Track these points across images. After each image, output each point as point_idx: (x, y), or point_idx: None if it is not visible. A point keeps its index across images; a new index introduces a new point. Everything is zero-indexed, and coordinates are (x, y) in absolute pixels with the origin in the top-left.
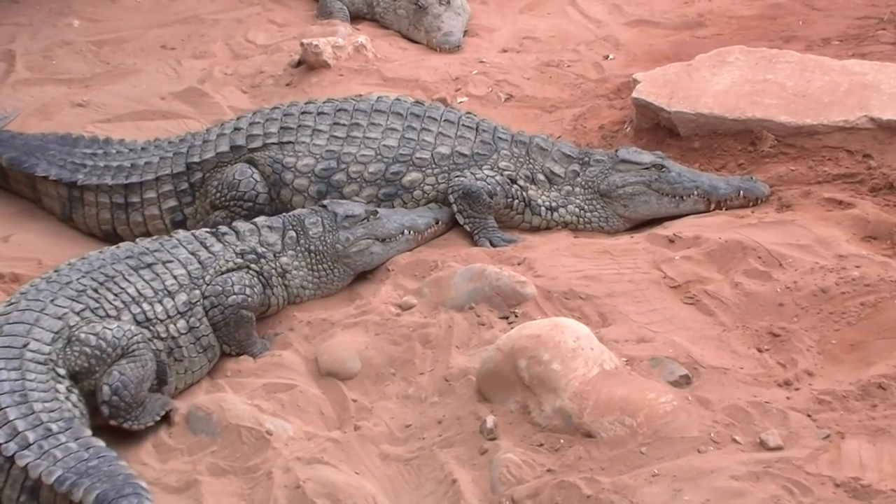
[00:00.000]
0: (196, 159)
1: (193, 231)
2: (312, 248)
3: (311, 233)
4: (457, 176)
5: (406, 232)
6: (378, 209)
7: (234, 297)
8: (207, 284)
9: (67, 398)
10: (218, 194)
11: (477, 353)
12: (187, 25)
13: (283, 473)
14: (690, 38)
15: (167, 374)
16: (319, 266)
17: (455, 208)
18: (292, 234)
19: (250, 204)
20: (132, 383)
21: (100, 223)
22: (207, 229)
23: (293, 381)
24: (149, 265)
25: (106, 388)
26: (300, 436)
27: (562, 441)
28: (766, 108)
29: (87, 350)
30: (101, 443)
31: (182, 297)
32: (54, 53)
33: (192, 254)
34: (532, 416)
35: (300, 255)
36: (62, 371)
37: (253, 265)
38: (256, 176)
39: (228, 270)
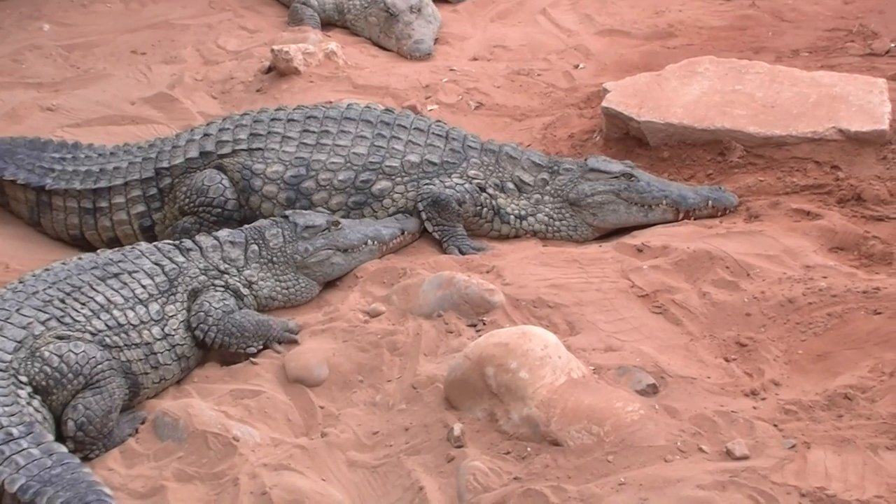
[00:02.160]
0: (165, 165)
1: (156, 244)
2: (274, 259)
3: (271, 244)
4: (426, 184)
5: (369, 242)
6: (341, 220)
7: (216, 310)
8: (181, 302)
9: (29, 403)
10: (187, 200)
11: (445, 360)
12: (158, 31)
13: (249, 480)
14: (660, 49)
15: (140, 386)
16: (284, 277)
17: (424, 216)
18: (254, 247)
19: (219, 210)
20: (97, 417)
21: (68, 228)
22: (170, 242)
23: (260, 387)
24: (115, 275)
25: (71, 424)
26: (267, 442)
27: (529, 449)
28: (735, 118)
29: (48, 370)
30: (63, 448)
31: (154, 306)
32: (24, 57)
33: (157, 264)
34: (499, 424)
35: (264, 266)
36: (24, 378)
37: (217, 281)
38: (225, 182)
39: (194, 290)
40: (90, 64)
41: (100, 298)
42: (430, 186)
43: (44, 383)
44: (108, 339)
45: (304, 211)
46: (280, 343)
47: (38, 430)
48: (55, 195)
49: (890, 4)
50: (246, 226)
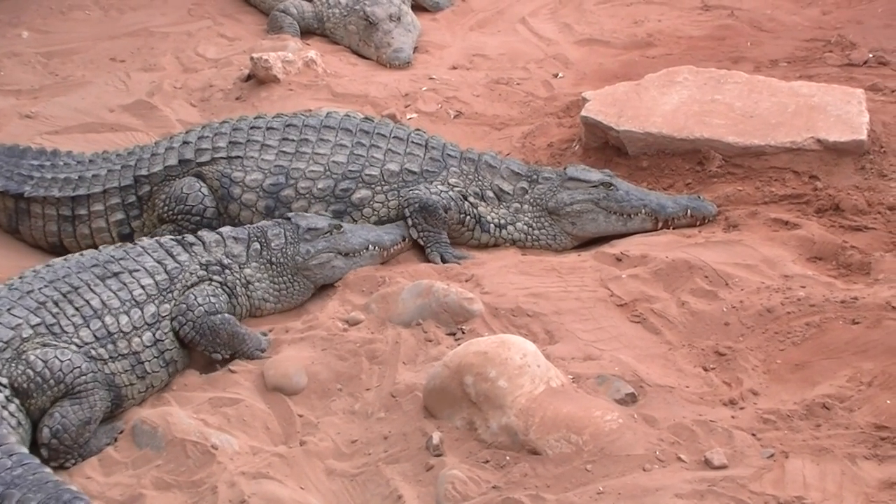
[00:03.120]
0: (144, 172)
1: (158, 239)
2: (274, 259)
3: (272, 244)
4: (412, 189)
5: (371, 247)
6: (343, 224)
7: (199, 307)
8: (175, 300)
9: (5, 407)
10: (166, 208)
11: (424, 369)
12: (137, 38)
13: (227, 488)
14: (640, 58)
15: (124, 397)
16: (280, 278)
17: (410, 222)
18: (256, 245)
19: (198, 218)
20: (73, 427)
21: (46, 235)
22: (173, 238)
23: (239, 395)
24: (115, 274)
25: (46, 431)
26: (246, 450)
27: (507, 458)
28: (714, 128)
29: (30, 373)
30: (23, 449)
31: (150, 309)
32: (3, 64)
33: (159, 262)
34: (478, 433)
35: (263, 266)
36: (4, 381)
37: (216, 276)
38: (204, 190)
39: (192, 285)
40: (69, 71)
41: (95, 302)
42: (417, 192)
43: (24, 386)
44: (93, 352)
45: (306, 213)
46: (249, 360)
47: (0, 432)
48: (34, 202)
49: (868, 15)
50: (248, 225)
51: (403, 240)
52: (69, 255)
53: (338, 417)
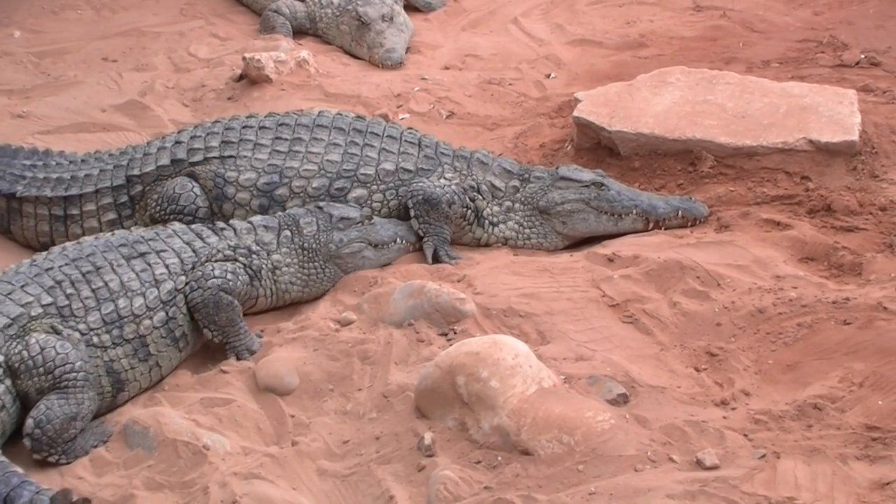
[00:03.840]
0: (136, 172)
1: (191, 225)
2: (306, 245)
3: (305, 231)
4: (416, 182)
5: (399, 241)
6: (374, 216)
7: (214, 280)
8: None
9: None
10: (158, 208)
11: (415, 369)
12: (129, 38)
13: (219, 488)
14: (632, 59)
15: (126, 381)
16: (310, 264)
17: (413, 213)
18: (287, 233)
19: (190, 218)
20: (58, 419)
21: (38, 235)
22: (204, 224)
23: (231, 395)
24: (142, 254)
25: (30, 421)
26: (237, 451)
27: (499, 458)
28: (706, 128)
29: (25, 354)
30: None
31: (168, 286)
32: None
33: (188, 244)
34: (470, 434)
35: (293, 252)
36: (0, 358)
37: (242, 258)
38: (197, 190)
39: (217, 261)
40: (61, 71)
41: (114, 284)
42: (422, 185)
43: (16, 366)
44: (95, 339)
45: (337, 203)
46: (235, 357)
47: None
48: (26, 202)
49: (860, 16)
50: (280, 213)
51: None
52: (101, 233)
53: (329, 418)
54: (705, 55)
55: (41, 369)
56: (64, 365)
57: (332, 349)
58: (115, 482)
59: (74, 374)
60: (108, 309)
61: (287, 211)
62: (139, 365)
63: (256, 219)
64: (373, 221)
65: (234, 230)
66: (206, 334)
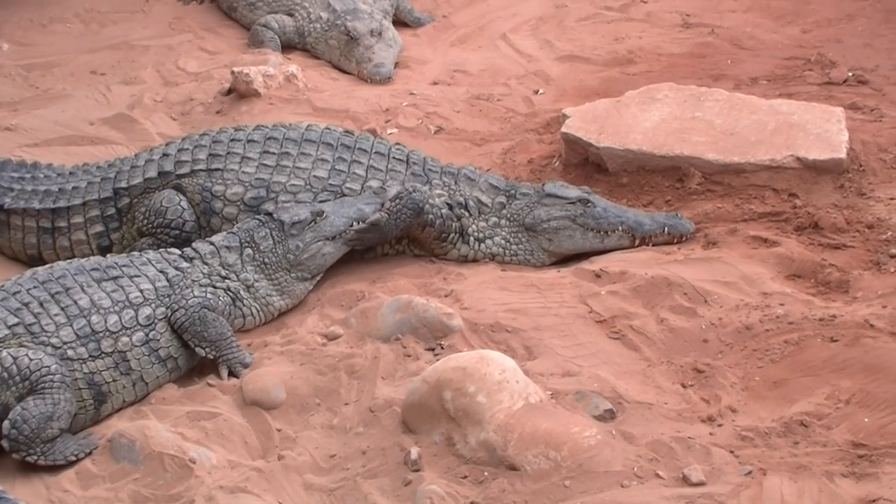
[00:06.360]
0: (124, 185)
1: (161, 251)
2: (266, 260)
3: (262, 247)
4: (418, 184)
5: (355, 224)
6: (323, 207)
7: (195, 299)
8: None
9: None
10: (145, 221)
11: (402, 384)
12: (118, 51)
13: (205, 502)
14: (620, 75)
15: (107, 394)
16: (277, 275)
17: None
18: (248, 251)
19: (177, 231)
20: (33, 418)
21: (26, 247)
22: (175, 251)
23: (217, 409)
24: (113, 278)
25: (6, 423)
26: (223, 464)
27: (486, 473)
28: (694, 145)
29: None
30: None
31: (146, 311)
32: None
33: (162, 272)
34: (456, 448)
35: (258, 268)
36: None
37: (219, 283)
38: (184, 203)
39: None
40: (49, 84)
41: (83, 302)
42: (421, 191)
43: None
44: (71, 352)
45: (286, 205)
46: (228, 371)
47: None
48: (13, 214)
49: (848, 34)
50: (236, 228)
51: (383, 206)
52: (74, 258)
53: (316, 432)
54: (694, 72)
55: (17, 377)
56: (39, 369)
57: (319, 363)
58: (101, 495)
59: (50, 376)
60: (79, 324)
61: (242, 224)
62: (121, 378)
63: (217, 238)
64: (324, 215)
65: (200, 255)
66: (199, 352)
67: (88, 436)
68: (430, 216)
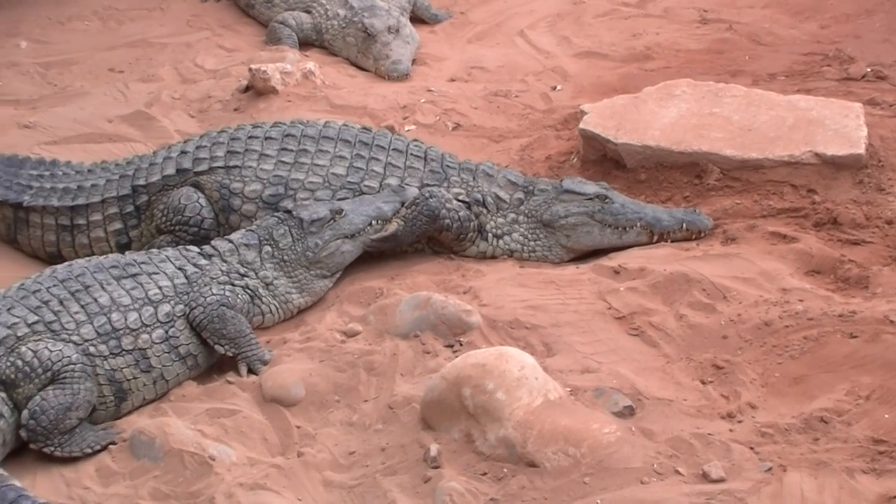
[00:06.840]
0: (142, 182)
1: (180, 248)
2: (286, 258)
3: (281, 244)
4: (434, 188)
5: (374, 223)
6: (343, 205)
7: (213, 296)
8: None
9: None
10: (163, 218)
11: (421, 381)
12: (136, 49)
13: (225, 499)
14: (638, 71)
15: (128, 391)
16: (296, 272)
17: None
18: (267, 248)
19: (195, 229)
20: (52, 409)
21: (45, 245)
22: (194, 248)
23: (237, 406)
24: (132, 275)
25: (25, 412)
26: (243, 462)
27: (505, 470)
28: (712, 141)
29: (19, 363)
30: None
31: (165, 308)
32: (1, 74)
33: (180, 269)
34: (476, 445)
35: (277, 266)
36: None
37: (238, 281)
38: (202, 200)
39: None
40: (68, 82)
41: (103, 300)
42: (438, 196)
43: (12, 376)
44: (92, 349)
45: (305, 203)
46: (248, 367)
47: None
48: (33, 212)
49: (866, 29)
50: (255, 225)
51: (402, 205)
52: (93, 256)
53: (335, 429)
54: (711, 68)
55: (39, 369)
56: (61, 360)
57: (339, 360)
58: (121, 492)
59: (72, 366)
60: (100, 322)
61: (261, 222)
62: (142, 376)
63: (237, 236)
64: (344, 213)
65: (219, 253)
66: (219, 350)
67: (108, 427)
68: (447, 220)
